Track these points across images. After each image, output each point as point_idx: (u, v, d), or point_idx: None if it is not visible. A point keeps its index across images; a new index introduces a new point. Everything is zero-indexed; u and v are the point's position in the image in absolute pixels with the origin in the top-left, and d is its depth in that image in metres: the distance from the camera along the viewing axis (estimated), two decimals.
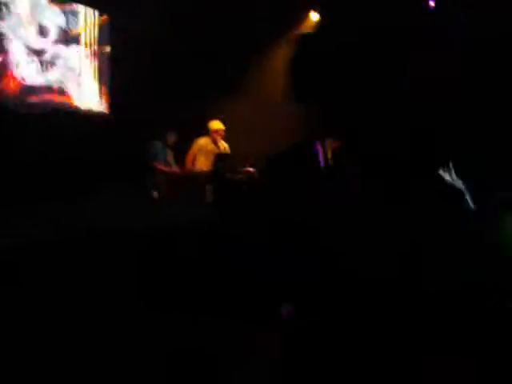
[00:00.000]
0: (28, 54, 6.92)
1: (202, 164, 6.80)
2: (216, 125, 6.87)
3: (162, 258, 3.98)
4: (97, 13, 7.73)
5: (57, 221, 5.10)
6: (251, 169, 6.67)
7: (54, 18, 7.27)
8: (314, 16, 8.40)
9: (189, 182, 6.64)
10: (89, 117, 7.74)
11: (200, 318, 3.13)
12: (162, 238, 4.39)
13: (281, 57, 8.52)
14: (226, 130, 7.09)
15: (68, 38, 7.44)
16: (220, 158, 6.40)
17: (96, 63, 7.88)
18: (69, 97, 7.55)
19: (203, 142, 6.94)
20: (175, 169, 6.98)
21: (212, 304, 3.30)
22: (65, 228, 4.89)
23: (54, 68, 7.31)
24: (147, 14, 7.43)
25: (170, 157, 6.93)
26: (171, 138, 6.83)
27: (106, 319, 3.09)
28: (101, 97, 7.98)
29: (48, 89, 7.23)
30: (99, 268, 3.78)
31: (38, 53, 7.05)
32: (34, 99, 7.03)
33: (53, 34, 7.26)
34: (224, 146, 7.06)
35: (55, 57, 7.34)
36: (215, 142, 6.88)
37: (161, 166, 6.77)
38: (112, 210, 5.35)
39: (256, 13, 7.92)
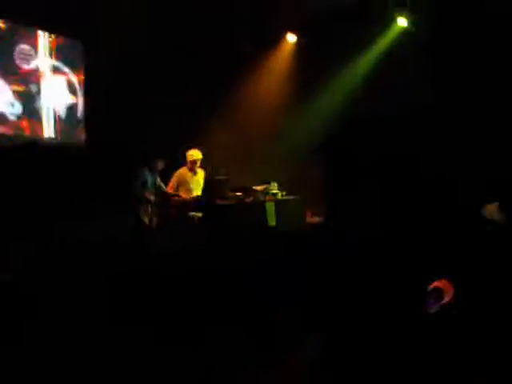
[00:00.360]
0: None
1: (183, 194, 6.61)
2: (192, 155, 6.69)
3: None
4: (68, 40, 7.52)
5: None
6: (239, 193, 6.51)
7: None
8: (291, 38, 8.35)
9: (178, 209, 6.41)
10: (64, 148, 7.47)
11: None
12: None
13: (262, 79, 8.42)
14: (209, 156, 6.91)
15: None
16: (210, 184, 6.20)
17: (70, 90, 7.63)
18: (41, 128, 7.27)
19: (182, 172, 6.76)
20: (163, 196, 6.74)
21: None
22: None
23: (25, 97, 7.03)
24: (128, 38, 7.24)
25: (159, 183, 6.69)
26: (160, 164, 6.57)
27: None
28: (76, 126, 7.73)
29: (19, 119, 6.93)
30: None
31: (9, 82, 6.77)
32: (4, 130, 6.72)
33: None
34: (201, 174, 6.86)
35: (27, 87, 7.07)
36: (193, 171, 6.68)
37: (148, 196, 6.51)
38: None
39: (236, 32, 7.87)
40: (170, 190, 6.62)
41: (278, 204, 6.80)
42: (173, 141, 7.13)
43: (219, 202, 6.16)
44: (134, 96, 7.37)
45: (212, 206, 6.05)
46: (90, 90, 7.70)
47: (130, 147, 7.13)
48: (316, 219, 7.67)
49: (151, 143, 7.11)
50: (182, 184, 6.67)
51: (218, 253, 5.54)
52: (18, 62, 6.90)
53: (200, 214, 6.35)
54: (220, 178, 6.51)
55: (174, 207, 6.55)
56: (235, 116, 8.11)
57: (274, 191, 7.02)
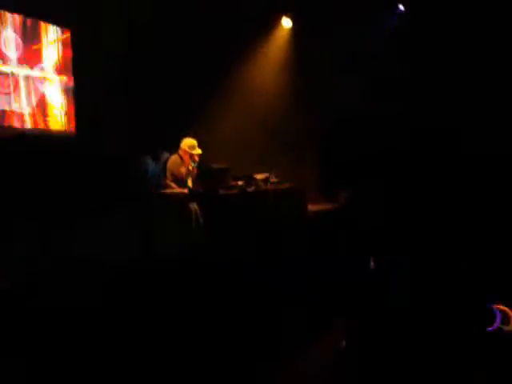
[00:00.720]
0: None
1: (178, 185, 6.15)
2: (194, 146, 6.23)
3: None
4: (59, 29, 7.22)
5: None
6: (240, 182, 6.37)
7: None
8: (287, 22, 8.19)
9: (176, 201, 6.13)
10: (58, 138, 7.22)
11: None
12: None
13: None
14: (205, 144, 6.61)
15: (30, 56, 6.89)
16: (211, 173, 5.99)
17: (61, 82, 7.36)
18: (35, 120, 7.00)
19: (175, 161, 6.21)
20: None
21: None
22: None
23: (17, 90, 6.75)
24: (114, 27, 7.00)
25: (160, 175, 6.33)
26: (166, 155, 6.23)
27: None
28: (68, 116, 7.47)
29: (12, 112, 6.66)
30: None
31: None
32: None
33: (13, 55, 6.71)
34: (191, 164, 6.27)
35: (18, 78, 6.78)
36: (189, 163, 6.25)
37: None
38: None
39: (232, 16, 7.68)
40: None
41: (280, 193, 6.70)
42: (167, 130, 6.90)
43: (222, 192, 6.01)
44: (128, 86, 7.14)
45: (214, 197, 5.90)
46: (80, 74, 7.41)
47: (123, 139, 6.89)
48: (316, 207, 7.61)
49: (147, 133, 6.88)
50: (176, 176, 6.20)
51: (222, 247, 5.43)
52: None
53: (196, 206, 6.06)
54: (221, 166, 6.29)
55: (171, 199, 6.21)
56: (232, 104, 7.94)
57: (275, 180, 6.92)
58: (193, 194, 6.06)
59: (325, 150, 8.69)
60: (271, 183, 6.82)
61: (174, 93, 7.29)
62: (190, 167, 6.14)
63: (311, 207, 7.42)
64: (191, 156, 6.13)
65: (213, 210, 5.79)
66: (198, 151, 6.12)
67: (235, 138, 7.73)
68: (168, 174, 6.09)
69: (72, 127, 7.46)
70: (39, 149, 6.50)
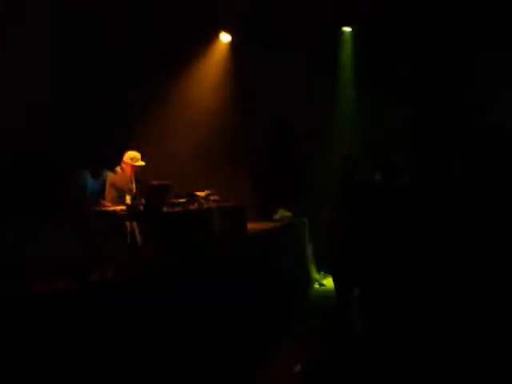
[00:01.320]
0: None
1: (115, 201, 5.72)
2: (137, 158, 5.99)
3: None
4: None
5: None
6: (182, 200, 6.02)
7: None
8: (226, 37, 8.03)
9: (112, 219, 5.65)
10: None
11: None
12: None
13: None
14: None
15: None
16: (153, 190, 5.57)
17: None
18: None
19: (115, 177, 5.91)
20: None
21: None
22: None
23: None
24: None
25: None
26: (105, 173, 5.80)
27: None
28: None
29: None
30: None
31: None
32: None
33: None
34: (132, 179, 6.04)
35: None
36: (127, 174, 5.92)
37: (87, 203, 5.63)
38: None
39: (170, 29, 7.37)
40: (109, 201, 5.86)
41: (223, 211, 6.44)
42: (106, 146, 6.44)
43: (166, 209, 5.63)
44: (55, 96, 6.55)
45: (157, 214, 5.49)
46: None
47: (51, 157, 6.28)
48: (254, 226, 7.44)
49: (79, 149, 6.35)
50: (118, 189, 5.83)
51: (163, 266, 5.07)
52: None
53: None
54: (163, 183, 5.91)
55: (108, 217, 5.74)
56: (167, 121, 7.63)
57: (215, 197, 6.64)
58: (132, 211, 5.65)
59: (262, 167, 8.58)
60: (212, 201, 6.53)
61: (110, 108, 6.82)
62: (131, 182, 5.83)
63: (251, 226, 7.23)
64: (133, 168, 5.86)
65: (155, 227, 5.41)
66: (141, 163, 5.89)
67: (171, 153, 7.40)
68: (109, 189, 5.71)
69: None
70: None
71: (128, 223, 5.65)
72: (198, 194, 6.33)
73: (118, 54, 6.94)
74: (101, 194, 5.77)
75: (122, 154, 5.98)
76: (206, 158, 7.92)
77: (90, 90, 6.58)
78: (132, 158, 5.86)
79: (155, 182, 5.73)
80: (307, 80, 7.87)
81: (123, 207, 5.61)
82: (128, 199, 5.81)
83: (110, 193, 5.83)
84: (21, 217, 5.21)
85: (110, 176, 5.81)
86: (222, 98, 7.95)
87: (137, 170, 5.97)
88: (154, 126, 7.53)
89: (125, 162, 5.87)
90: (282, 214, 9.03)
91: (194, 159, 7.74)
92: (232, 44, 8.08)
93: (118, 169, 5.89)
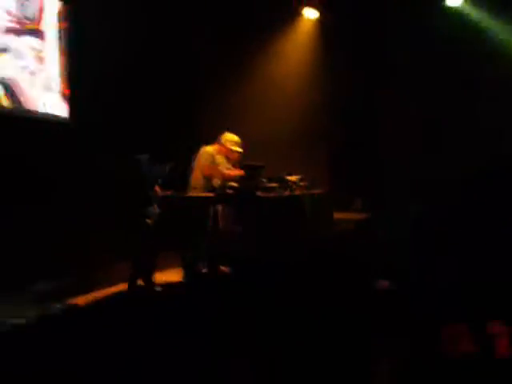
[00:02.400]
0: None
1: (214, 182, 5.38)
2: (238, 142, 5.54)
3: None
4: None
5: None
6: (275, 184, 5.60)
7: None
8: (312, 13, 7.54)
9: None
10: (46, 123, 6.21)
11: None
12: None
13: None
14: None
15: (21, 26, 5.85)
16: (251, 170, 5.15)
17: (56, 59, 6.35)
18: (19, 99, 5.95)
19: (218, 151, 5.48)
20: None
21: None
22: None
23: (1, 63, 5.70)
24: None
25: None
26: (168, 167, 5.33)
27: None
28: (61, 100, 6.47)
29: None
30: None
31: None
32: None
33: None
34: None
35: (2, 49, 5.73)
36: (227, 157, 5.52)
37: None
38: None
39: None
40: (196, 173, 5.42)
41: (311, 197, 5.99)
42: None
43: (260, 194, 5.20)
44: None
45: (252, 199, 5.07)
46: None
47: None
48: (342, 215, 6.94)
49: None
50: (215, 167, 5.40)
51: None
52: None
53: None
54: (256, 164, 5.47)
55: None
56: (250, 101, 7.28)
57: (305, 183, 6.19)
58: (220, 196, 5.27)
59: (345, 153, 8.07)
60: (301, 186, 6.08)
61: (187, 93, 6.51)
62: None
63: (338, 215, 6.74)
64: (229, 153, 5.39)
65: (250, 212, 5.00)
66: (240, 150, 5.42)
67: (254, 135, 6.99)
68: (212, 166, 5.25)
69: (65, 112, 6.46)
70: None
71: (211, 207, 5.30)
72: (289, 178, 5.89)
73: (198, 34, 6.60)
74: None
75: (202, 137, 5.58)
76: (285, 141, 7.50)
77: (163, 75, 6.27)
78: (233, 142, 5.41)
79: (250, 163, 5.35)
80: None
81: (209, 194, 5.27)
82: (216, 182, 5.46)
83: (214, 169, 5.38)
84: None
85: (214, 153, 5.36)
86: (306, 78, 7.49)
87: (233, 157, 5.46)
88: (232, 107, 7.19)
89: (222, 144, 5.40)
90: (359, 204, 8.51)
91: (274, 141, 7.33)
92: (320, 21, 7.58)
93: (217, 148, 5.39)
